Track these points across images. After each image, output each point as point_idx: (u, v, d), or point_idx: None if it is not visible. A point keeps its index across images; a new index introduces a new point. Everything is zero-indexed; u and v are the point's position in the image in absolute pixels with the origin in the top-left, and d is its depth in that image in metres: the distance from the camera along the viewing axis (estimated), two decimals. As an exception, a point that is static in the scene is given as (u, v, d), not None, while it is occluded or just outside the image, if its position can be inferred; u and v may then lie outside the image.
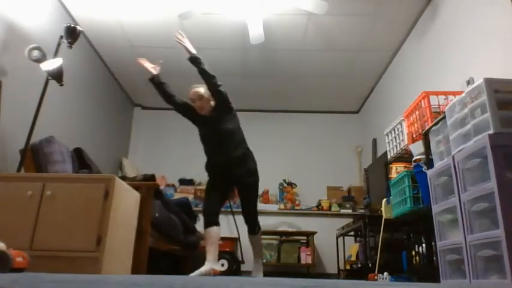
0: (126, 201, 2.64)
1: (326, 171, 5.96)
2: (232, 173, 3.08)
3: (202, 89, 3.08)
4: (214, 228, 2.96)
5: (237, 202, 4.99)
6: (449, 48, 3.40)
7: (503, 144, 1.88)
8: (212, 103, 3.11)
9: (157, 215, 3.28)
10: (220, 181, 3.12)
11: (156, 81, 3.15)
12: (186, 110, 3.18)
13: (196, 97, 3.08)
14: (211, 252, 2.91)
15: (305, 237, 5.34)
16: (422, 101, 2.89)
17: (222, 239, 4.24)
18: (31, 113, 3.01)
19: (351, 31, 4.32)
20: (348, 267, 4.56)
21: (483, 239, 1.92)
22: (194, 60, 3.02)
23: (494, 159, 1.85)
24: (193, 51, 3.05)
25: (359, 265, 4.17)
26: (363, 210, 4.94)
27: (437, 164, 2.46)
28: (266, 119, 6.24)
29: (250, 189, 3.14)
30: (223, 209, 3.52)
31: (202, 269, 2.81)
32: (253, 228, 3.20)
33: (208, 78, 3.00)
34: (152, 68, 3.16)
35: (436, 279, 2.38)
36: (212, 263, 2.88)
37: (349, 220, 4.76)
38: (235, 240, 5.22)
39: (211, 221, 2.97)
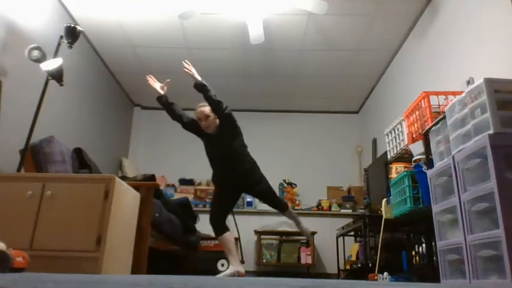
0: (126, 201, 2.64)
1: (326, 171, 5.96)
2: (241, 185, 3.28)
3: (207, 109, 3.18)
4: (227, 234, 3.12)
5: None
6: (449, 48, 3.40)
7: (503, 144, 1.88)
8: (217, 121, 3.22)
9: (157, 215, 3.29)
10: (228, 191, 3.27)
11: (163, 101, 3.25)
12: (193, 127, 3.28)
13: (202, 116, 3.18)
14: (233, 256, 3.08)
15: (305, 237, 5.33)
16: (422, 101, 2.88)
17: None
18: (31, 113, 3.01)
19: (351, 31, 4.32)
20: (348, 267, 4.56)
21: (483, 239, 1.92)
22: (200, 87, 3.12)
23: (494, 159, 1.85)
24: (199, 78, 3.16)
25: (359, 265, 4.17)
26: (363, 210, 4.94)
27: (437, 164, 2.46)
28: (266, 119, 6.24)
29: (265, 192, 3.34)
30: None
31: (228, 272, 2.98)
32: (282, 208, 3.43)
33: (214, 104, 3.11)
34: (160, 88, 3.25)
35: (436, 279, 2.38)
36: (236, 266, 3.04)
37: (349, 220, 4.76)
38: (235, 240, 5.22)
39: (222, 228, 3.13)
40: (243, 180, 3.24)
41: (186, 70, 3.17)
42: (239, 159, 3.21)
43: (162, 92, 3.25)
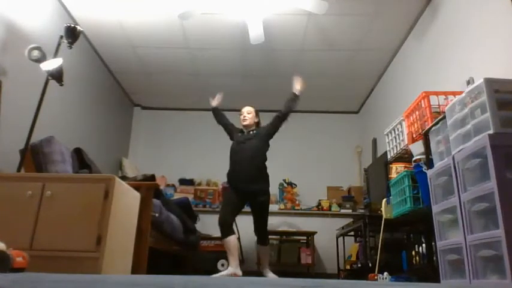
0: (126, 201, 2.64)
1: (326, 171, 5.96)
2: (248, 189, 3.50)
3: (252, 108, 3.82)
4: (232, 237, 3.37)
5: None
6: (449, 48, 3.40)
7: (503, 144, 1.88)
8: (254, 121, 3.77)
9: (157, 215, 3.29)
10: (237, 194, 3.52)
11: (216, 112, 3.89)
12: (230, 130, 3.82)
13: (245, 111, 3.80)
14: (234, 259, 3.33)
15: (305, 237, 5.34)
16: (422, 101, 2.88)
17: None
18: (31, 113, 3.01)
19: (350, 31, 4.32)
20: (348, 267, 4.56)
21: (483, 239, 1.92)
22: (297, 96, 3.76)
23: (494, 159, 1.85)
24: (298, 92, 3.75)
25: (359, 265, 4.17)
26: (363, 210, 4.94)
27: (437, 164, 2.46)
28: (266, 119, 6.22)
29: (262, 207, 3.57)
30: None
31: (224, 273, 3.24)
32: (264, 240, 3.65)
33: (290, 112, 3.74)
34: (216, 100, 3.92)
35: (436, 279, 2.38)
36: (234, 268, 3.29)
37: (349, 220, 4.76)
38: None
39: (229, 231, 3.38)
40: (250, 183, 3.47)
41: (300, 80, 3.75)
42: (256, 162, 3.53)
43: (216, 104, 3.90)
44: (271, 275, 3.54)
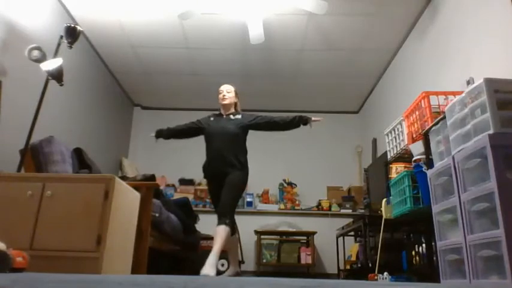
0: (126, 201, 2.64)
1: (326, 171, 5.96)
2: (221, 172, 3.20)
3: (233, 88, 3.50)
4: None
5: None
6: (449, 48, 3.40)
7: (503, 144, 1.88)
8: (234, 101, 3.44)
9: (157, 215, 3.29)
10: (215, 184, 3.23)
11: (165, 138, 3.55)
12: (194, 129, 3.43)
13: (225, 89, 3.45)
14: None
15: (305, 237, 5.34)
16: (422, 101, 2.88)
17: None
18: (31, 113, 3.01)
19: (351, 31, 4.32)
20: (348, 267, 4.56)
21: (483, 239, 1.92)
22: (301, 125, 3.42)
23: (494, 159, 1.85)
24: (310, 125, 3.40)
25: (359, 265, 4.17)
26: (363, 210, 4.94)
27: (437, 164, 2.46)
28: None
29: (229, 179, 3.18)
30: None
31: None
32: (220, 216, 3.07)
33: (285, 130, 3.47)
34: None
35: (436, 279, 2.38)
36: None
37: (349, 220, 4.75)
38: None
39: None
40: (223, 168, 3.15)
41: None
42: (233, 152, 3.18)
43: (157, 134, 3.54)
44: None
